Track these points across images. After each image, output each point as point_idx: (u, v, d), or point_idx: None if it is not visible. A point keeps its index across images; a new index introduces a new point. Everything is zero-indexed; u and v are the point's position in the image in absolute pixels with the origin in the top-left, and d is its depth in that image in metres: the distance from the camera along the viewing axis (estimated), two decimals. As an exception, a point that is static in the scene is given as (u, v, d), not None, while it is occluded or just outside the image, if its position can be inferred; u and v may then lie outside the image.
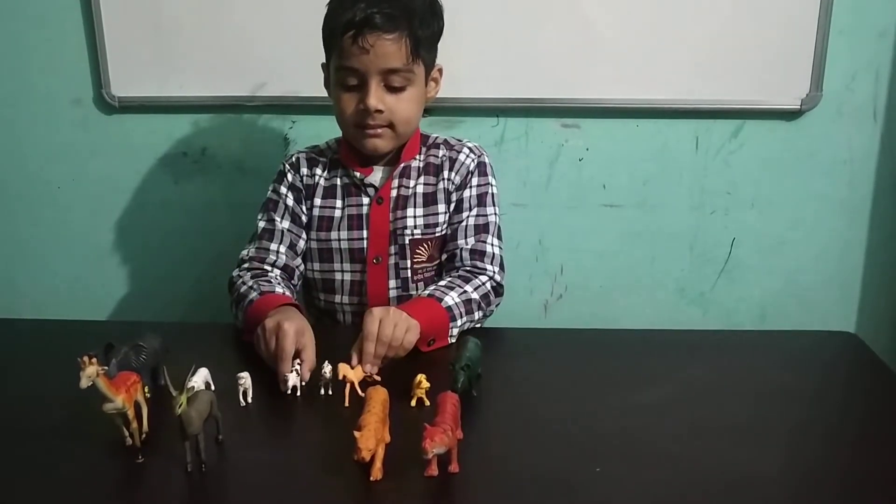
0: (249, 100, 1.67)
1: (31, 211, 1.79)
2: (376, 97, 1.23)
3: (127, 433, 0.87)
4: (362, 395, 0.95)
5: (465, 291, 1.24)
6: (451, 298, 1.21)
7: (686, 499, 0.81)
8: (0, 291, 1.83)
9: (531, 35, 1.61)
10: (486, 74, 1.62)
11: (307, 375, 1.03)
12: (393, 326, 1.08)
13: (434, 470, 0.82)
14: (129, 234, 1.80)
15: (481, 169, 1.37)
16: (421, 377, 0.98)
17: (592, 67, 1.63)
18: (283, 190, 1.36)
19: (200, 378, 0.97)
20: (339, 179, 1.35)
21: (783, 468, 0.87)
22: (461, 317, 1.21)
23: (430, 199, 1.34)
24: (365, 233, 1.32)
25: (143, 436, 0.88)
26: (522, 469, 0.86)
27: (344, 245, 1.33)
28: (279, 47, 1.62)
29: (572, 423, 0.96)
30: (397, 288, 1.34)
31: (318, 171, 1.36)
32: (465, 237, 1.33)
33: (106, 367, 0.86)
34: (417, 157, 1.36)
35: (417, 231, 1.32)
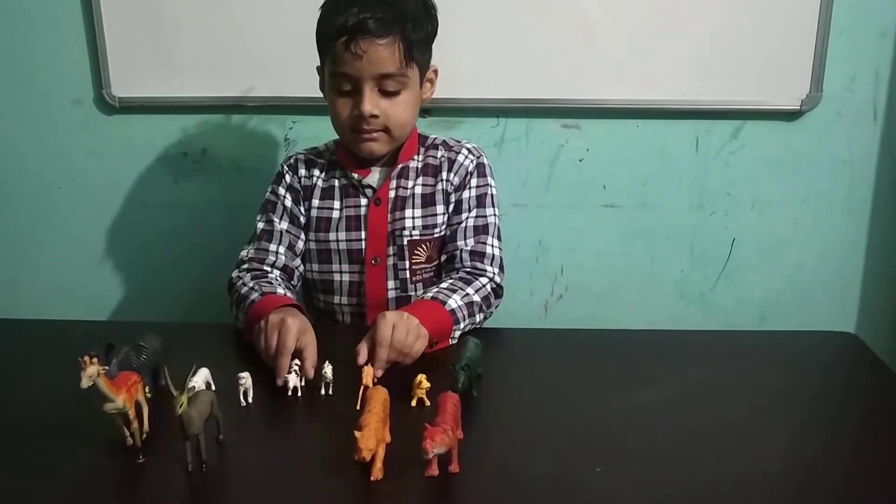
0: (250, 100, 1.68)
1: (31, 211, 1.79)
2: (371, 103, 1.23)
3: (128, 433, 0.87)
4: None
5: (468, 294, 1.24)
6: (454, 301, 1.21)
7: (686, 499, 0.81)
8: (0, 291, 1.83)
9: (531, 35, 1.61)
10: (486, 75, 1.63)
11: (311, 373, 1.03)
12: (406, 333, 1.08)
13: (434, 470, 0.82)
14: (129, 235, 1.80)
15: (480, 170, 1.36)
16: (421, 377, 0.98)
17: (592, 68, 1.63)
18: (282, 191, 1.36)
19: (201, 378, 0.97)
20: (336, 181, 1.35)
21: (783, 468, 0.87)
22: (464, 319, 1.21)
23: (428, 200, 1.34)
24: (363, 234, 1.32)
25: (144, 436, 0.88)
26: (522, 469, 0.86)
27: (342, 246, 1.33)
28: (279, 48, 1.62)
29: (572, 423, 0.96)
30: (396, 289, 1.34)
31: (316, 172, 1.36)
32: (465, 238, 1.33)
33: (107, 367, 0.86)
34: (416, 157, 1.36)
35: (416, 232, 1.32)
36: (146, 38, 1.65)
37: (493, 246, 1.33)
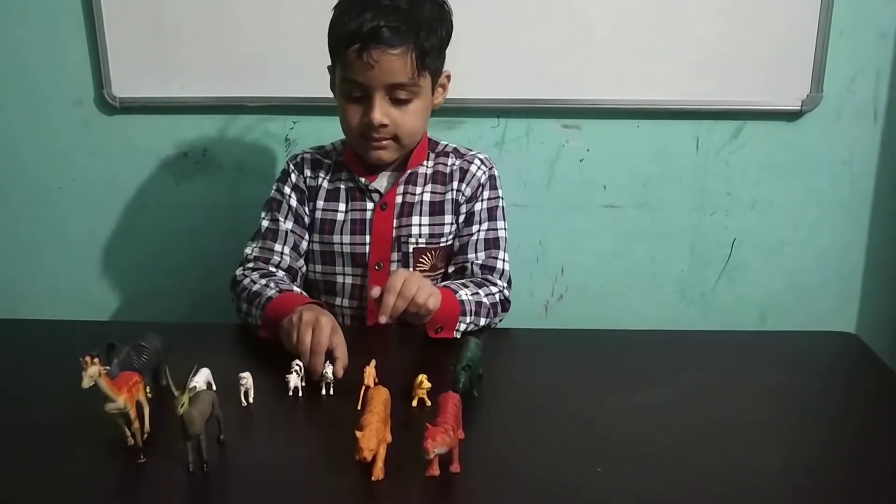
0: (250, 100, 1.68)
1: (31, 211, 1.80)
2: (381, 112, 1.22)
3: (129, 433, 0.87)
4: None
5: (478, 293, 1.25)
6: (465, 294, 1.22)
7: (686, 499, 0.81)
8: (1, 292, 1.83)
9: (531, 36, 1.61)
10: (486, 75, 1.63)
11: (341, 373, 1.03)
12: (416, 287, 1.09)
13: (435, 470, 0.82)
14: (130, 235, 1.80)
15: (492, 182, 1.37)
16: (422, 377, 0.98)
17: (593, 68, 1.63)
18: (287, 190, 1.35)
19: (202, 378, 0.97)
20: (342, 183, 1.34)
21: (783, 468, 0.87)
22: (470, 314, 1.21)
23: (436, 209, 1.33)
24: (367, 238, 1.32)
25: (145, 436, 0.88)
26: (523, 469, 0.86)
27: (346, 249, 1.33)
28: (280, 48, 1.62)
29: (573, 423, 0.96)
30: None
31: (322, 173, 1.35)
32: (476, 251, 1.33)
33: (108, 368, 0.86)
34: (425, 163, 1.35)
35: (422, 240, 1.32)
36: (147, 39, 1.65)
37: (503, 261, 1.34)
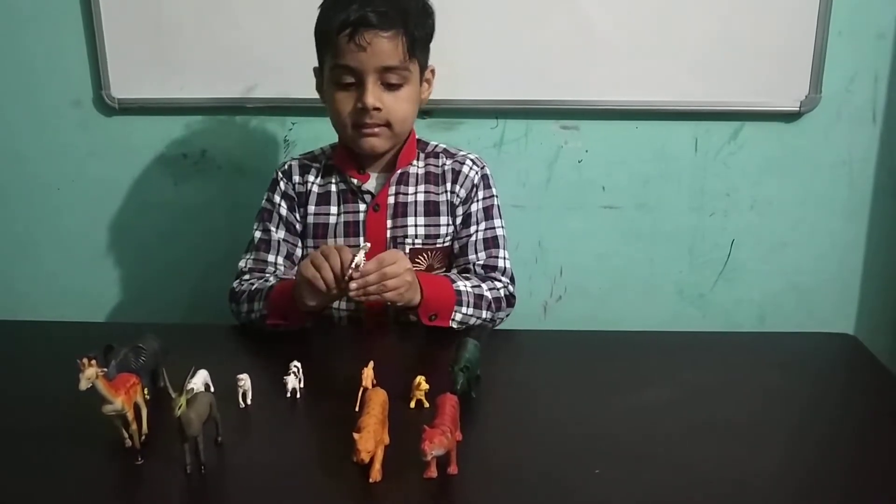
0: (249, 101, 1.68)
1: (30, 212, 1.80)
2: (374, 95, 1.22)
3: (126, 435, 0.87)
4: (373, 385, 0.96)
5: (479, 286, 1.26)
6: (464, 286, 1.23)
7: (686, 499, 0.81)
8: (0, 292, 1.83)
9: (531, 36, 1.61)
10: (485, 76, 1.63)
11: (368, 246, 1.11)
12: (402, 270, 1.11)
13: (433, 471, 0.82)
14: (128, 236, 1.80)
15: (485, 181, 1.37)
16: (420, 379, 0.98)
17: (592, 69, 1.63)
18: (277, 199, 1.35)
19: (200, 380, 0.97)
20: (334, 186, 1.34)
21: (782, 469, 0.87)
22: (468, 305, 1.22)
23: (431, 209, 1.33)
24: (361, 240, 1.32)
25: (143, 437, 0.88)
26: (522, 470, 0.86)
27: None
28: (279, 49, 1.62)
29: (571, 424, 0.96)
30: None
31: (311, 177, 1.35)
32: (476, 252, 1.34)
33: (105, 369, 0.86)
34: (415, 163, 1.35)
35: (419, 240, 1.32)
36: (145, 40, 1.65)
37: (504, 259, 1.35)
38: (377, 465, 0.82)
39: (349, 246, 1.26)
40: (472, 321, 1.24)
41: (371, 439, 0.80)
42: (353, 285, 1.09)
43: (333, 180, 1.35)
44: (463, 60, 1.59)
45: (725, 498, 0.82)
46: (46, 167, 1.76)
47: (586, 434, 0.94)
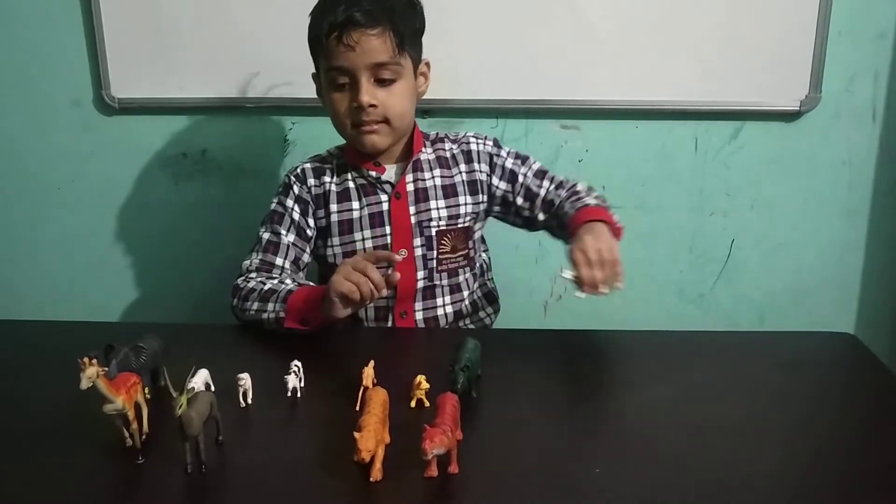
0: (249, 101, 1.68)
1: (30, 212, 1.80)
2: (368, 93, 1.24)
3: (127, 434, 0.87)
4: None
5: (591, 197, 1.32)
6: (592, 201, 1.30)
7: (685, 499, 0.81)
8: (0, 292, 1.83)
9: (531, 36, 1.61)
10: (485, 75, 1.63)
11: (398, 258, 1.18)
12: (601, 247, 1.14)
13: (434, 471, 0.82)
14: (129, 236, 1.80)
15: (496, 143, 1.41)
16: (421, 378, 0.98)
17: (592, 69, 1.63)
18: (290, 203, 1.35)
19: (200, 379, 0.97)
20: (351, 182, 1.35)
21: (782, 468, 0.87)
22: (605, 203, 1.32)
23: (450, 191, 1.35)
24: (388, 229, 1.33)
25: (144, 437, 0.88)
26: (522, 469, 0.86)
27: (368, 244, 1.33)
28: (279, 48, 1.62)
29: (572, 423, 0.96)
30: (424, 279, 1.34)
31: (327, 178, 1.36)
32: (541, 187, 1.37)
33: (106, 368, 0.86)
34: (424, 150, 1.37)
35: (443, 222, 1.34)
36: (145, 39, 1.65)
37: (557, 175, 1.39)
38: (378, 465, 0.82)
39: (375, 247, 1.32)
40: (602, 204, 1.31)
41: (372, 438, 0.80)
42: (579, 295, 1.13)
43: (350, 177, 1.36)
44: (463, 60, 1.59)
45: (725, 497, 0.82)
46: (47, 167, 1.76)
47: (586, 433, 0.94)
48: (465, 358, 0.98)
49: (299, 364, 1.03)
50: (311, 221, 1.36)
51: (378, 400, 0.88)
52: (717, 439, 0.92)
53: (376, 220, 1.33)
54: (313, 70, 1.33)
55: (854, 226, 1.74)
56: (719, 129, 1.69)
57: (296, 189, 1.36)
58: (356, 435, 0.79)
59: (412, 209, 1.33)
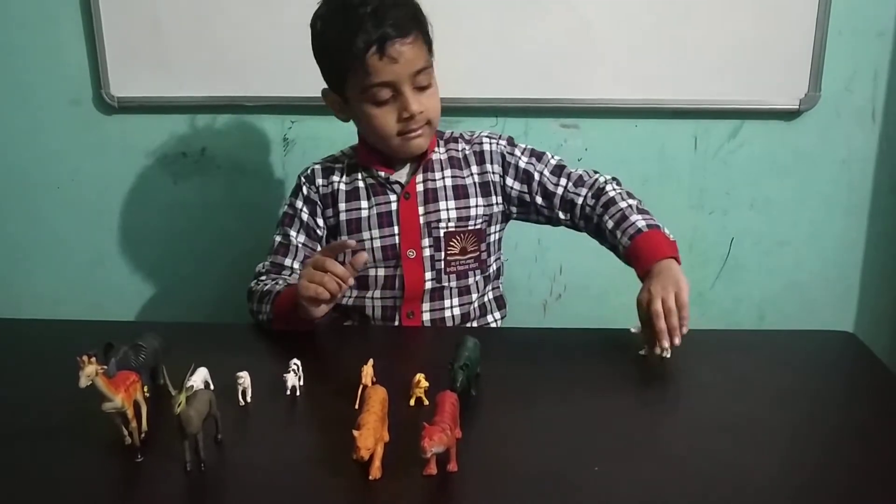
0: (248, 100, 1.68)
1: (30, 211, 1.80)
2: (416, 101, 1.24)
3: (126, 432, 0.87)
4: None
5: (629, 205, 1.29)
6: (640, 219, 1.26)
7: (685, 498, 0.81)
8: (-1, 291, 1.83)
9: (530, 35, 1.61)
10: (484, 74, 1.63)
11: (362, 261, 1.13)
12: (671, 294, 1.14)
13: (433, 469, 0.82)
14: (128, 235, 1.80)
15: (510, 142, 1.40)
16: (420, 376, 0.98)
17: (591, 67, 1.63)
18: (299, 204, 1.36)
19: (199, 377, 0.97)
20: (360, 181, 1.35)
21: (782, 467, 0.87)
22: (641, 212, 1.28)
23: (460, 192, 1.35)
24: (396, 229, 1.33)
25: (143, 435, 0.88)
26: (521, 468, 0.86)
27: (376, 243, 1.33)
28: (278, 48, 1.62)
29: (571, 422, 0.96)
30: (432, 279, 1.34)
31: (336, 177, 1.36)
32: (558, 184, 1.35)
33: (105, 367, 0.86)
34: (437, 149, 1.37)
35: (451, 224, 1.33)
36: (145, 38, 1.65)
37: (575, 170, 1.37)
38: (377, 463, 0.82)
39: (384, 247, 1.32)
40: (648, 219, 1.27)
41: (371, 437, 0.80)
42: (665, 344, 1.12)
43: (359, 177, 1.35)
44: (463, 59, 1.59)
45: (725, 496, 0.82)
46: (46, 166, 1.76)
47: (586, 432, 0.94)
48: (465, 356, 0.98)
49: (298, 363, 1.03)
50: (319, 221, 1.36)
51: (377, 398, 0.88)
52: (717, 438, 0.92)
53: (385, 219, 1.33)
54: (324, 86, 1.31)
55: (854, 224, 1.74)
56: (719, 127, 1.69)
57: (305, 190, 1.36)
58: (355, 433, 0.79)
59: (421, 209, 1.33)
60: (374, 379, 0.99)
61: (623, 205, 1.29)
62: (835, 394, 1.08)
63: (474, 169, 1.37)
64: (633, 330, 1.17)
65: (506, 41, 1.61)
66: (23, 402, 1.02)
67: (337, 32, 1.23)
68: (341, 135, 1.64)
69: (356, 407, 0.94)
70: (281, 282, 1.28)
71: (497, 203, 1.37)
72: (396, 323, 1.35)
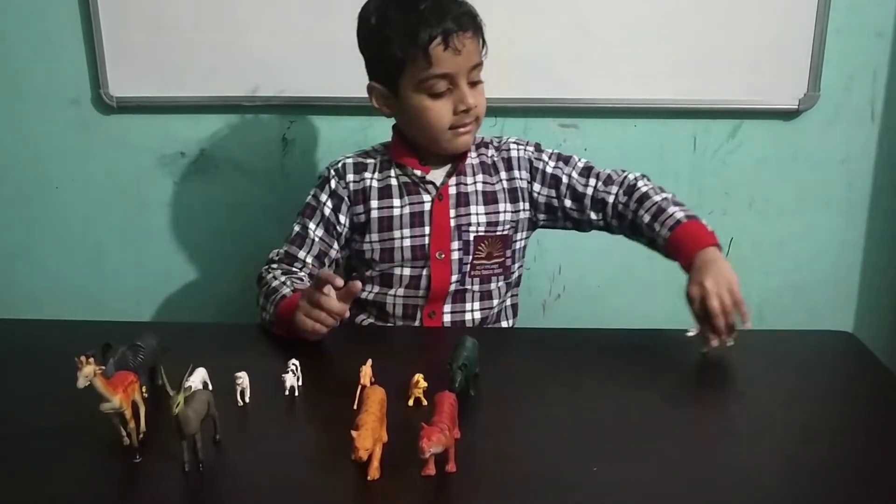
0: (247, 100, 1.68)
1: (29, 211, 1.79)
2: (471, 94, 1.26)
3: (124, 433, 0.87)
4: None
5: (664, 198, 1.29)
6: (677, 211, 1.26)
7: (684, 498, 0.81)
8: (-2, 291, 1.83)
9: (529, 35, 1.61)
10: (484, 74, 1.62)
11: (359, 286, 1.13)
12: (725, 290, 1.15)
13: (431, 469, 0.82)
14: (127, 235, 1.80)
15: (537, 148, 1.39)
16: (418, 377, 0.98)
17: (590, 67, 1.63)
18: (324, 197, 1.34)
19: (198, 378, 0.97)
20: (393, 179, 1.34)
21: (781, 467, 0.87)
22: (677, 205, 1.28)
23: (489, 198, 1.35)
24: (427, 229, 1.32)
25: (141, 435, 0.88)
26: (519, 468, 0.86)
27: (406, 243, 1.32)
28: (277, 47, 1.62)
29: (570, 422, 0.96)
30: (457, 282, 1.33)
31: (368, 174, 1.34)
32: (587, 185, 1.35)
33: (103, 367, 0.86)
34: (470, 154, 1.36)
35: (481, 228, 1.33)
36: (144, 38, 1.65)
37: (602, 169, 1.36)
38: (375, 463, 0.82)
39: (413, 247, 1.31)
40: (686, 210, 1.28)
41: (369, 437, 0.80)
42: (729, 342, 1.13)
43: (392, 174, 1.34)
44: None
45: (725, 495, 0.82)
46: (45, 166, 1.76)
47: (585, 432, 0.94)
48: (463, 356, 0.98)
49: (297, 363, 1.03)
50: (342, 218, 1.34)
51: (376, 398, 0.88)
52: (714, 438, 0.92)
53: (416, 219, 1.32)
54: (369, 82, 1.30)
55: (853, 224, 1.74)
56: (718, 127, 1.69)
57: (332, 184, 1.34)
58: (353, 433, 0.79)
59: (452, 212, 1.33)
60: (373, 379, 0.99)
61: (658, 198, 1.29)
62: (834, 394, 1.08)
63: (503, 175, 1.36)
64: (690, 333, 1.16)
65: (505, 40, 1.60)
66: (21, 402, 1.02)
67: (399, 24, 1.23)
68: (341, 135, 1.64)
69: (355, 407, 0.94)
70: (289, 282, 1.26)
71: (524, 209, 1.37)
72: (417, 322, 1.34)
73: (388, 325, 1.36)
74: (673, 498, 0.81)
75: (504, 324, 1.43)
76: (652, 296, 1.79)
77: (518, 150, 1.38)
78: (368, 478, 0.81)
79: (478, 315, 1.36)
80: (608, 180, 1.34)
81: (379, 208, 1.33)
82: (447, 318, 1.35)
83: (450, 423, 0.82)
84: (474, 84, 1.28)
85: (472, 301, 1.35)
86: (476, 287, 1.34)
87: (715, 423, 0.96)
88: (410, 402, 0.98)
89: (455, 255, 1.33)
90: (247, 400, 0.99)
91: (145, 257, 1.81)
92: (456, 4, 1.25)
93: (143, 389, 0.93)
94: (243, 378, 0.98)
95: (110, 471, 0.86)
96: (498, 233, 1.35)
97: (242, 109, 1.70)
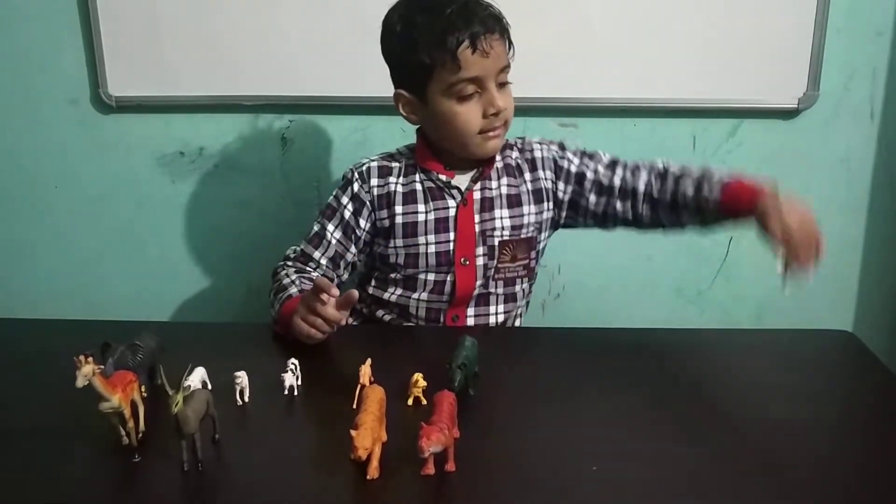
0: (246, 99, 1.67)
1: (27, 210, 1.79)
2: (501, 97, 1.25)
3: (123, 432, 0.87)
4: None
5: (701, 169, 1.28)
6: (720, 173, 1.26)
7: (684, 498, 0.81)
8: (-3, 291, 1.83)
9: (528, 34, 1.59)
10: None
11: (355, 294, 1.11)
12: (808, 221, 1.18)
13: (431, 469, 0.82)
14: (126, 234, 1.80)
15: (561, 146, 1.39)
16: (418, 376, 0.98)
17: (589, 66, 1.63)
18: (345, 200, 1.33)
19: (197, 377, 0.97)
20: (418, 184, 1.32)
21: (780, 466, 0.87)
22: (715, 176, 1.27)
23: (514, 201, 1.34)
24: (452, 235, 1.31)
25: (140, 435, 0.88)
26: (519, 468, 0.86)
27: (430, 249, 1.31)
28: (276, 46, 1.62)
29: (569, 421, 0.96)
30: (481, 286, 1.33)
31: (392, 178, 1.33)
32: (614, 177, 1.34)
33: (102, 367, 0.86)
34: (497, 157, 1.35)
35: (506, 232, 1.33)
36: (142, 38, 1.65)
37: (629, 160, 1.36)
38: (374, 462, 0.82)
39: (437, 253, 1.30)
40: (728, 171, 1.28)
41: (368, 436, 0.80)
42: (802, 276, 1.13)
43: (417, 178, 1.33)
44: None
45: (724, 495, 0.82)
46: (44, 166, 1.76)
47: (584, 431, 0.94)
48: (463, 356, 0.98)
49: (296, 362, 1.03)
50: (362, 222, 1.32)
51: (375, 398, 0.88)
52: (714, 437, 0.92)
53: (441, 225, 1.31)
54: (395, 90, 1.29)
55: (852, 223, 1.74)
56: (717, 126, 1.69)
57: (355, 187, 1.33)
58: (353, 433, 0.79)
59: (477, 217, 1.32)
60: (372, 378, 0.99)
61: (695, 171, 1.28)
62: (833, 392, 1.08)
63: (527, 176, 1.35)
64: (780, 268, 1.15)
65: (504, 40, 1.61)
66: (20, 401, 1.02)
67: (425, 29, 1.21)
68: (340, 134, 1.64)
69: (354, 406, 0.94)
70: (298, 282, 1.26)
71: (548, 209, 1.36)
72: (441, 324, 1.34)
73: (410, 324, 1.36)
74: (673, 498, 0.81)
75: (518, 321, 1.42)
76: (651, 295, 1.80)
77: (542, 149, 1.37)
78: (368, 477, 0.81)
79: (501, 318, 1.36)
80: (636, 169, 1.34)
81: (404, 213, 1.31)
82: (470, 322, 1.34)
83: (449, 423, 0.82)
84: (502, 86, 1.27)
85: (497, 304, 1.35)
86: (500, 290, 1.34)
87: (713, 421, 0.96)
88: (410, 402, 0.98)
89: (480, 261, 1.32)
90: (246, 399, 0.99)
91: (144, 256, 1.81)
92: (482, 7, 1.23)
93: (143, 389, 0.93)
94: (242, 377, 0.98)
95: (109, 470, 0.86)
96: (522, 235, 1.34)
97: (242, 109, 1.69)
